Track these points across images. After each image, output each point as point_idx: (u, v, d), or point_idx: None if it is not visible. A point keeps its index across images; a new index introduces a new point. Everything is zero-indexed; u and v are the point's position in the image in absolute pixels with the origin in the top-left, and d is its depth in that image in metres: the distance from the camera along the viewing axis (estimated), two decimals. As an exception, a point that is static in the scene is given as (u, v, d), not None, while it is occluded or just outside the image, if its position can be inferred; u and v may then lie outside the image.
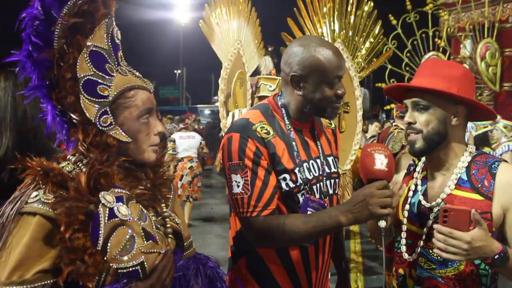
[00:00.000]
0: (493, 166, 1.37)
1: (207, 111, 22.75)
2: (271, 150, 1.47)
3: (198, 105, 26.47)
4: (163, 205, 1.27)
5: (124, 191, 1.14)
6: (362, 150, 1.41)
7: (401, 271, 1.51)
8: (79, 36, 1.09)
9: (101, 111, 1.12)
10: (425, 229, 1.42)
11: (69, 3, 1.07)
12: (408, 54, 9.11)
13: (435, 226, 1.26)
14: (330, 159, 1.64)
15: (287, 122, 1.56)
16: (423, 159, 1.53)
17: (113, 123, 1.14)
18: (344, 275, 1.86)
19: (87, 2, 1.09)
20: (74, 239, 1.00)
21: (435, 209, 1.40)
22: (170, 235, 1.23)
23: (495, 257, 1.22)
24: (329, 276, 1.71)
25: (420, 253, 1.42)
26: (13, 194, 1.07)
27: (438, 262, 1.39)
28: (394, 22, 8.87)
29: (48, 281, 1.00)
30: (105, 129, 1.12)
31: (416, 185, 1.50)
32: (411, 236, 1.47)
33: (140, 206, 1.17)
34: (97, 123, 1.11)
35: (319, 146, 1.62)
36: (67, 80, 1.09)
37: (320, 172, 1.57)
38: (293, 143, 1.53)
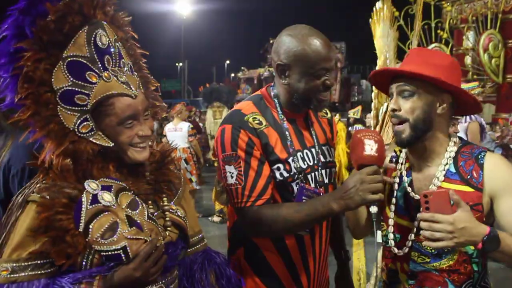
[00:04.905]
0: (479, 156, 1.36)
1: (208, 104, 22.73)
2: (264, 140, 1.48)
3: (200, 98, 26.49)
4: (164, 199, 1.32)
5: (117, 182, 1.21)
6: (352, 136, 1.39)
7: (391, 265, 1.50)
8: (52, 50, 1.12)
9: (81, 119, 1.16)
10: (415, 222, 1.39)
11: (39, 22, 1.10)
12: (410, 46, 9.07)
13: (418, 215, 1.24)
14: (325, 148, 1.64)
15: (279, 112, 1.56)
16: (405, 150, 1.51)
17: (94, 129, 1.18)
18: (344, 264, 1.86)
19: (55, 20, 1.11)
20: (56, 220, 1.10)
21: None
22: (169, 228, 1.27)
23: (484, 238, 1.18)
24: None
25: (412, 247, 1.41)
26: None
27: (432, 255, 1.37)
28: (397, 13, 8.80)
29: (39, 261, 1.11)
30: (85, 135, 1.17)
31: (400, 177, 1.48)
32: (400, 230, 1.45)
33: (136, 197, 1.23)
34: (76, 130, 1.15)
35: (314, 136, 1.62)
36: (41, 94, 1.12)
37: (315, 162, 1.57)
38: (286, 132, 1.53)
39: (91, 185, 1.15)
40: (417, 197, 1.40)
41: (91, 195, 1.14)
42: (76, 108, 1.14)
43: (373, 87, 3.63)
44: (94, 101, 1.15)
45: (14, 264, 1.09)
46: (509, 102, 10.18)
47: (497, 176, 1.32)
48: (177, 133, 6.58)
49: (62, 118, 1.14)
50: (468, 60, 10.52)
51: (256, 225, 1.47)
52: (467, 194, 1.32)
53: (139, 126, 1.22)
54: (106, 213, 1.14)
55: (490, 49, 9.86)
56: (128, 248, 1.13)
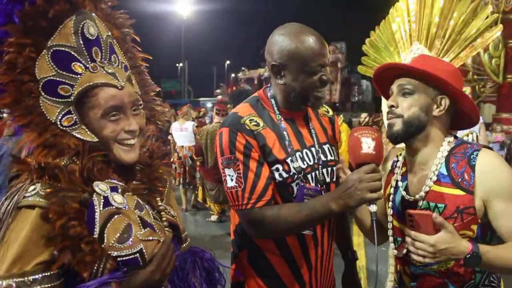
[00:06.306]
0: (471, 157, 1.33)
1: (209, 104, 22.84)
2: (261, 141, 1.47)
3: (200, 98, 26.65)
4: (158, 199, 1.27)
5: (119, 183, 1.14)
6: (350, 134, 1.38)
7: (399, 267, 1.51)
8: (37, 37, 1.07)
9: (64, 111, 1.10)
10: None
11: (23, 7, 1.05)
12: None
13: (406, 231, 1.27)
14: (326, 147, 1.62)
15: (277, 112, 1.55)
16: (403, 154, 1.51)
17: (78, 122, 1.11)
18: (351, 264, 1.83)
19: (40, 5, 1.06)
20: (69, 227, 1.00)
21: (420, 203, 1.38)
22: (166, 228, 1.23)
23: (467, 256, 1.22)
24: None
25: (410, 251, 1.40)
26: (9, 191, 1.07)
27: None
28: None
29: (49, 273, 1.00)
30: (68, 129, 1.10)
31: (396, 181, 1.49)
32: (400, 233, 1.45)
33: (136, 197, 1.17)
34: (58, 123, 1.09)
35: (314, 135, 1.60)
36: (24, 83, 1.07)
37: (315, 161, 1.56)
38: (284, 133, 1.52)
39: (100, 187, 1.07)
40: (411, 199, 1.40)
41: (102, 197, 1.06)
42: (60, 99, 1.09)
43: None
44: (77, 91, 1.09)
45: (18, 279, 0.96)
46: (510, 102, 10.16)
47: (488, 178, 1.30)
48: (183, 132, 6.98)
49: (43, 109, 1.08)
50: (468, 60, 10.50)
51: (257, 227, 1.46)
52: (458, 198, 1.31)
53: (126, 121, 1.15)
54: (118, 215, 1.07)
55: (490, 49, 9.85)
56: (144, 251, 1.08)
